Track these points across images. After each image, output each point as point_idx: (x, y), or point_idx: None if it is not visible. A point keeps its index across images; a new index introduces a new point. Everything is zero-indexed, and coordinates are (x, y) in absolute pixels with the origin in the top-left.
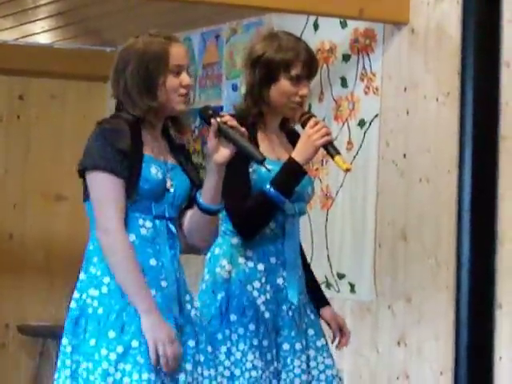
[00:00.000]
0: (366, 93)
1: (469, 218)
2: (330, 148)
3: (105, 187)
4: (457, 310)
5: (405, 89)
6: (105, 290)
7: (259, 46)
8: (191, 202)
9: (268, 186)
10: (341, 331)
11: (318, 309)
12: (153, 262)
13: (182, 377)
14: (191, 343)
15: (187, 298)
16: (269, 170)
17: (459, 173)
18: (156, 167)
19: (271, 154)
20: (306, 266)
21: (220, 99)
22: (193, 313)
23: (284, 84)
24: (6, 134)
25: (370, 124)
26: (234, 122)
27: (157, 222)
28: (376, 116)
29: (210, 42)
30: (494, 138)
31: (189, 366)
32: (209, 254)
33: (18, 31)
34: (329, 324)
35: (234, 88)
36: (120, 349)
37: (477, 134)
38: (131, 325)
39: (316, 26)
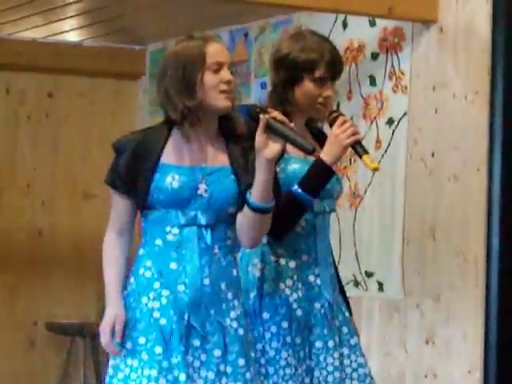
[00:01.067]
0: (394, 91)
1: (498, 216)
2: (357, 147)
3: (111, 199)
4: (486, 309)
5: (433, 87)
6: (129, 289)
7: (284, 46)
8: (243, 204)
9: (296, 187)
10: None
11: None
12: (173, 265)
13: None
14: (217, 353)
15: (223, 306)
16: (318, 160)
17: (489, 171)
18: (174, 176)
19: (297, 152)
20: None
21: (249, 97)
22: (227, 323)
23: (308, 86)
24: (34, 132)
25: (399, 122)
26: (282, 117)
27: (184, 229)
28: (404, 114)
29: (239, 40)
30: None
31: (211, 375)
32: (240, 254)
33: (48, 29)
34: None
35: (263, 86)
36: (129, 345)
37: (507, 131)
38: (142, 322)
39: (345, 25)
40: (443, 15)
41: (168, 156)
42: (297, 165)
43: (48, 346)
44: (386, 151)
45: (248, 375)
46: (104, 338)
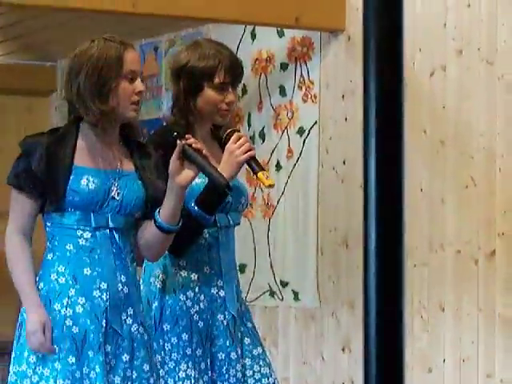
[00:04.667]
0: (304, 101)
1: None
2: (252, 164)
3: (12, 201)
4: (365, 325)
5: (343, 96)
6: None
7: (182, 56)
8: (148, 212)
9: (192, 204)
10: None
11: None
12: (87, 271)
13: None
14: (125, 357)
15: (129, 311)
16: (230, 195)
17: (364, 180)
18: (89, 178)
19: None
20: None
21: (160, 111)
22: (134, 328)
23: (208, 93)
24: None
25: (309, 132)
26: (198, 145)
27: (97, 233)
28: (315, 123)
29: (149, 54)
30: (397, 133)
31: (117, 379)
32: (143, 265)
33: None
34: None
35: None
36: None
37: (379, 133)
38: (54, 329)
39: (253, 36)
40: (350, 24)
41: (80, 158)
42: (200, 179)
43: None
44: (297, 161)
45: (151, 380)
46: (39, 338)
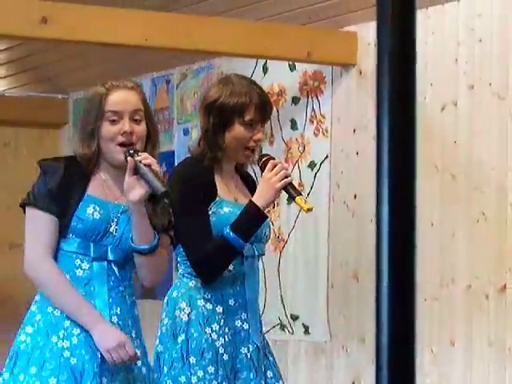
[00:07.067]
0: (315, 135)
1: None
2: (290, 189)
3: (32, 222)
4: (377, 356)
5: (354, 130)
6: (36, 327)
7: (213, 91)
8: None
9: (228, 230)
10: None
11: None
12: None
13: None
14: None
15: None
16: (169, 201)
17: (377, 218)
18: (95, 207)
19: (228, 195)
20: None
21: (172, 144)
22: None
23: (238, 129)
24: None
25: (321, 166)
26: (148, 161)
27: (94, 263)
28: (326, 157)
29: (161, 87)
30: (410, 174)
31: None
32: (166, 298)
33: None
34: None
35: (186, 132)
36: None
37: (394, 170)
38: (51, 361)
39: (265, 70)
40: (362, 58)
41: (93, 187)
42: (228, 208)
43: None
44: (308, 195)
45: None
46: (127, 352)
